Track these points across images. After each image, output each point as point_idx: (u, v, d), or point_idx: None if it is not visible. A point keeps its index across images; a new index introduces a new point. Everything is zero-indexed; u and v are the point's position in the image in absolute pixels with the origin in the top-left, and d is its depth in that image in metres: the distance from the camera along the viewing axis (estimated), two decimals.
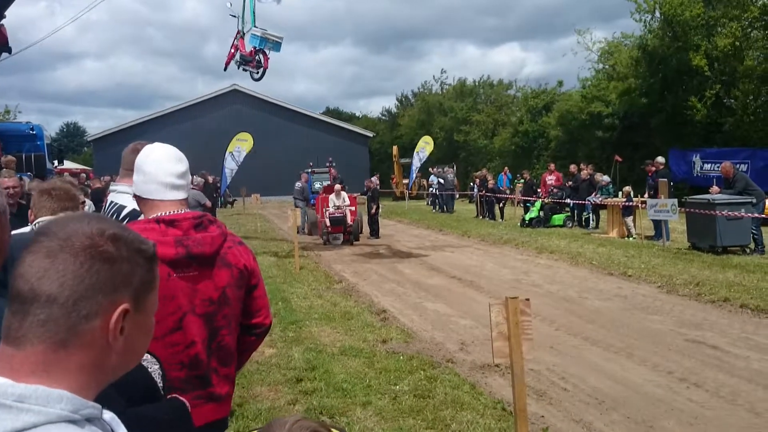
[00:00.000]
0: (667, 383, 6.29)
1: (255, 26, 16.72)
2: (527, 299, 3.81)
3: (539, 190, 23.05)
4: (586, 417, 5.52)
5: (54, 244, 1.04)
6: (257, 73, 17.19)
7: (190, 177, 2.66)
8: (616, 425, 5.35)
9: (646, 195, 17.32)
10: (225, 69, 18.17)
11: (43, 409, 0.97)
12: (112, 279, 1.05)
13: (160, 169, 2.45)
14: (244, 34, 17.23)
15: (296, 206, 21.74)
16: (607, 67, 31.09)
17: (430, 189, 34.81)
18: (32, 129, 22.41)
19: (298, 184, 22.47)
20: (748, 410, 5.54)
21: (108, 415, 1.10)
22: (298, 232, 20.71)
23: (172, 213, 2.41)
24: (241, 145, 27.40)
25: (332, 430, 1.15)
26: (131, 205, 2.98)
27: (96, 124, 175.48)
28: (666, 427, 5.26)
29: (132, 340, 1.09)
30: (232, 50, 17.59)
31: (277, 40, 16.75)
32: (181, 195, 2.48)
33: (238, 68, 17.21)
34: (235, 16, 17.09)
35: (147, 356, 1.92)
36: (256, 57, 16.93)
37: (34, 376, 1.00)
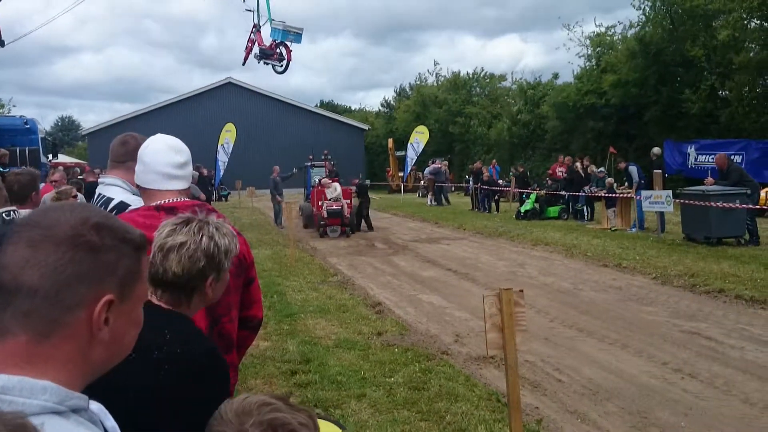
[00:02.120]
0: (661, 374, 6.30)
1: (272, 19, 16.74)
2: (521, 290, 3.80)
3: (548, 180, 23.07)
4: (580, 408, 5.53)
5: (36, 234, 1.02)
6: (280, 66, 17.23)
7: (191, 168, 2.69)
8: (611, 416, 5.36)
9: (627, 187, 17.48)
10: (243, 63, 18.27)
11: (26, 401, 0.95)
12: (95, 269, 1.02)
13: (158, 160, 2.51)
14: (260, 27, 17.24)
15: (272, 200, 21.82)
16: (600, 60, 30.99)
17: (422, 182, 34.90)
18: (26, 123, 22.38)
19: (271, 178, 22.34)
20: (743, 401, 5.55)
21: (95, 406, 1.08)
22: (277, 223, 20.76)
23: (172, 201, 2.47)
24: (228, 136, 27.38)
25: (300, 414, 1.16)
26: (119, 197, 2.96)
27: (92, 117, 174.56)
28: (661, 418, 5.27)
29: (118, 331, 1.07)
30: (249, 44, 17.62)
31: (297, 31, 16.82)
32: (180, 185, 2.54)
33: (259, 62, 17.23)
34: (250, 11, 17.11)
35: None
36: (277, 50, 16.96)
37: (17, 368, 0.98)
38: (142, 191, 2.60)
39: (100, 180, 3.20)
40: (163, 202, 2.47)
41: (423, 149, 40.99)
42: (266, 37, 17.44)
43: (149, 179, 2.53)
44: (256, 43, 17.49)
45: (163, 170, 2.51)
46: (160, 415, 1.64)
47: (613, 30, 31.27)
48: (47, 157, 24.24)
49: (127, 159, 3.07)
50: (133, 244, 1.09)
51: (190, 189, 2.69)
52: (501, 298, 3.70)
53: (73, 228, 1.02)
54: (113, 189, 3.03)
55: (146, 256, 1.13)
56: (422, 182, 35.47)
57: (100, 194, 3.06)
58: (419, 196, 35.72)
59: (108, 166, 3.15)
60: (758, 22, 23.46)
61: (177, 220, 1.93)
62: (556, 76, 36.18)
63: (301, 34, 16.97)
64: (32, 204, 4.21)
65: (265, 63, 17.47)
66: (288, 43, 17.01)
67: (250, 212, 26.48)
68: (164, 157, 2.52)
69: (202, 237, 1.89)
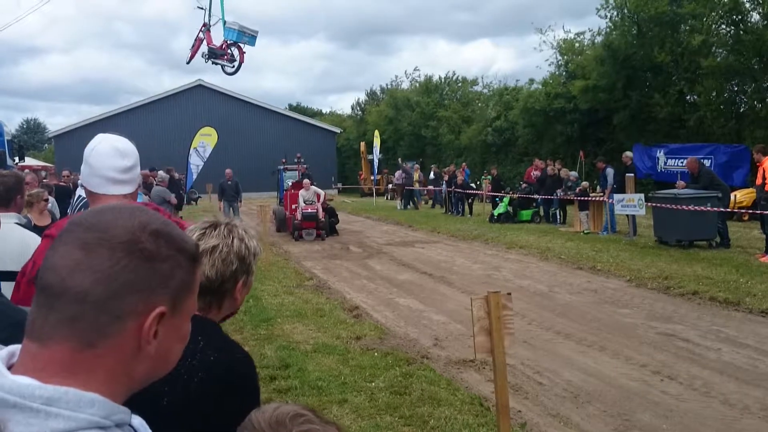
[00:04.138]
0: (640, 376, 6.33)
1: (225, 19, 16.49)
2: (509, 293, 3.77)
3: (521, 184, 23.21)
4: (562, 411, 5.52)
5: (90, 236, 0.95)
6: (231, 66, 16.95)
7: (139, 170, 2.64)
8: (593, 419, 5.35)
9: (601, 189, 17.65)
10: (188, 62, 17.87)
11: (73, 414, 0.88)
12: (150, 278, 0.95)
13: (103, 164, 2.46)
14: (210, 27, 16.97)
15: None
16: (568, 65, 31.27)
17: (389, 185, 35.02)
18: None
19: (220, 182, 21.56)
20: (722, 402, 5.59)
21: (137, 420, 1.02)
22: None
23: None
24: (206, 140, 27.00)
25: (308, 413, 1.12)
26: None
27: (60, 119, 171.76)
28: (642, 420, 5.28)
29: (165, 345, 1.00)
30: (197, 43, 17.30)
31: (252, 33, 16.60)
32: (125, 190, 2.50)
33: (206, 61, 16.93)
34: (202, 9, 16.81)
35: None
36: (230, 51, 16.71)
37: (57, 377, 0.91)
38: (88, 194, 2.55)
39: (80, 182, 3.12)
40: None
41: (395, 152, 40.98)
42: (216, 36, 17.17)
43: (94, 183, 2.48)
44: (205, 42, 17.20)
45: (108, 174, 2.46)
46: (195, 425, 1.58)
47: (581, 36, 31.61)
48: (13, 160, 23.79)
49: None
50: (188, 255, 1.02)
51: (137, 192, 2.66)
52: (489, 301, 3.66)
53: (130, 233, 0.96)
54: None
55: (200, 268, 1.06)
56: (390, 185, 35.60)
57: (79, 196, 2.98)
58: (387, 199, 35.79)
59: None
60: (726, 27, 23.85)
61: (204, 224, 1.90)
62: (531, 81, 36.31)
63: (255, 37, 16.77)
64: (16, 208, 4.07)
65: (213, 63, 17.15)
66: (241, 45, 16.81)
67: (220, 216, 26.20)
68: (109, 161, 2.47)
69: (233, 239, 1.87)
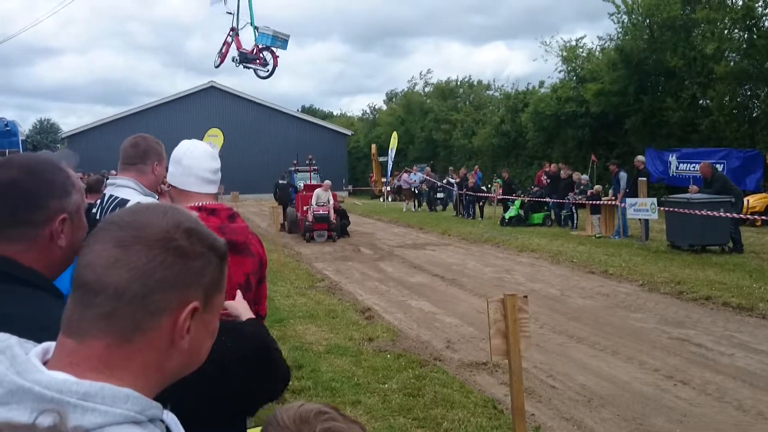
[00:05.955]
0: (654, 381, 6.32)
1: (255, 25, 16.62)
2: (525, 296, 3.79)
3: (534, 188, 23.21)
4: (576, 415, 5.53)
5: (126, 234, 0.98)
6: (265, 71, 17.07)
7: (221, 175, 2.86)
8: (607, 423, 5.36)
9: (613, 193, 17.61)
10: (217, 66, 18.00)
11: (109, 409, 0.90)
12: (184, 275, 0.99)
13: (199, 165, 2.70)
14: (238, 31, 17.10)
15: None
16: (577, 70, 31.22)
17: (388, 187, 35.09)
18: (7, 125, 22.14)
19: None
20: (736, 407, 5.58)
21: (169, 416, 1.05)
22: None
23: (209, 203, 2.67)
24: (213, 141, 27.20)
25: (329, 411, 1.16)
26: (134, 198, 2.93)
27: (73, 120, 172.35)
28: (656, 425, 5.28)
29: (197, 340, 1.04)
30: (226, 48, 17.44)
31: (284, 38, 16.77)
32: (213, 189, 2.75)
33: (237, 66, 17.06)
34: (230, 13, 16.94)
35: None
36: (262, 55, 16.82)
37: (94, 371, 0.94)
38: (177, 192, 2.72)
39: (110, 181, 3.18)
40: (203, 203, 2.64)
41: (405, 155, 40.99)
42: (245, 40, 17.28)
43: (189, 182, 2.68)
44: (234, 46, 17.31)
45: (203, 175, 2.69)
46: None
47: (583, 42, 31.64)
48: None
49: (137, 161, 3.08)
50: (218, 252, 1.06)
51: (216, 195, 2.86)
52: (506, 304, 3.68)
53: (165, 231, 0.99)
54: (127, 191, 3.02)
55: (227, 265, 1.10)
56: (388, 187, 35.64)
57: (112, 196, 3.03)
58: (383, 200, 35.75)
59: (119, 168, 3.13)
60: (739, 32, 23.76)
61: None
62: (541, 84, 36.26)
63: (287, 41, 16.90)
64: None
65: (245, 67, 17.26)
66: (274, 49, 16.92)
67: None
68: (204, 162, 2.71)
69: None
